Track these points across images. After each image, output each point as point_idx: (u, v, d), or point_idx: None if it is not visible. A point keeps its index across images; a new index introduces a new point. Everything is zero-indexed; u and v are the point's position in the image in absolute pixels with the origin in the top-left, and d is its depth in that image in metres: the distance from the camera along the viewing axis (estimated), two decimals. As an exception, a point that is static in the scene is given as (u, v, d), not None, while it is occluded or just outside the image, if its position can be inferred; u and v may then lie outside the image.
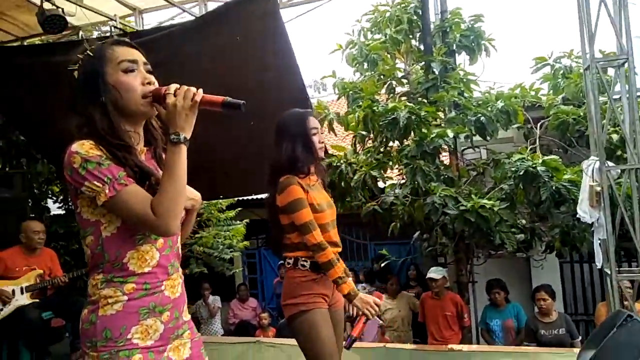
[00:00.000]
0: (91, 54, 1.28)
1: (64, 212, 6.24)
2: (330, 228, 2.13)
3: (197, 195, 1.43)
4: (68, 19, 4.18)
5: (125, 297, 1.21)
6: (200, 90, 1.23)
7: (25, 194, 5.49)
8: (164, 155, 1.29)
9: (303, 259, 2.08)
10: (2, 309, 3.82)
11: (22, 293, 3.94)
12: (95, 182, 1.17)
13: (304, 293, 2.06)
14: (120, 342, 1.20)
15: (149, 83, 1.28)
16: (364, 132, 4.65)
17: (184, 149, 1.22)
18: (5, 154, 5.84)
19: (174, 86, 1.22)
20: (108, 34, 4.57)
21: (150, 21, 4.95)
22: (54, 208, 6.43)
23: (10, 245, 4.08)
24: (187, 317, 1.36)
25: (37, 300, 4.01)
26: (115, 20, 4.65)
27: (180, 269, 1.36)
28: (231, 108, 1.22)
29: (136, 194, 1.19)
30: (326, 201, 2.16)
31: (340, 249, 2.18)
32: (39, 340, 3.91)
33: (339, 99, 5.20)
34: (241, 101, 1.22)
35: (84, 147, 1.18)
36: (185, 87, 1.22)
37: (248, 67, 3.92)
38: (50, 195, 6.35)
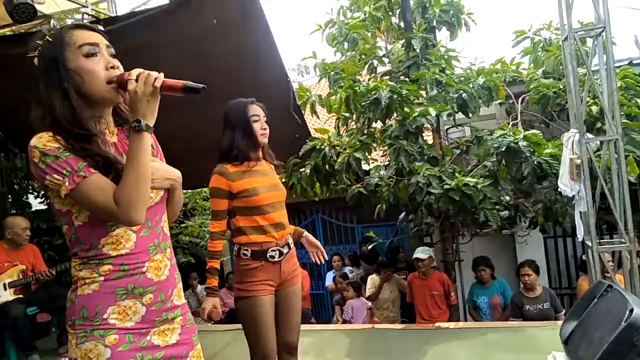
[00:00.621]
0: (50, 40, 1.23)
1: (45, 207, 6.14)
2: (270, 210, 2.21)
3: (175, 174, 1.39)
4: (38, 7, 4.04)
5: (102, 278, 1.21)
6: (162, 75, 1.20)
7: (4, 190, 5.40)
8: None
9: (244, 247, 2.19)
10: (-16, 306, 3.78)
11: (5, 289, 3.89)
12: (55, 176, 1.15)
13: (245, 280, 2.19)
14: (96, 322, 1.20)
15: (113, 67, 1.24)
16: (346, 114, 4.61)
17: (146, 137, 1.19)
18: (-18, 150, 5.72)
19: (136, 71, 1.20)
20: (81, 22, 4.45)
21: (123, 7, 4.84)
22: (36, 203, 6.33)
23: (-9, 241, 4.03)
24: (179, 301, 1.33)
25: (21, 295, 3.97)
26: (87, 7, 4.52)
27: (168, 251, 1.33)
28: (191, 92, 1.20)
29: (97, 184, 1.17)
30: (268, 184, 2.24)
31: (285, 230, 2.28)
32: (24, 335, 3.88)
33: (320, 80, 5.13)
34: (201, 85, 1.20)
35: (41, 141, 1.17)
36: (146, 72, 1.19)
37: (227, 50, 3.85)
38: (30, 191, 6.24)
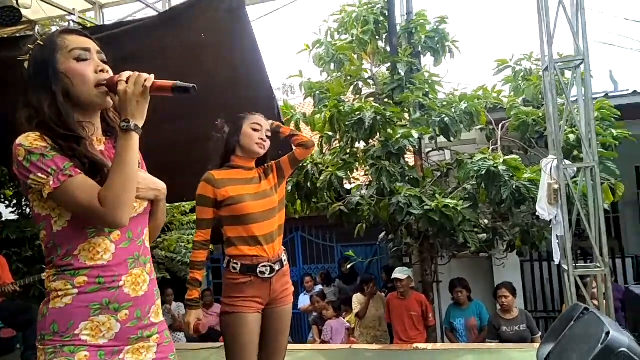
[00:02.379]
0: (41, 43, 1.23)
1: (17, 217, 5.95)
2: (258, 219, 2.09)
3: (160, 185, 1.36)
4: (24, 12, 4.00)
5: (76, 290, 1.16)
6: (152, 76, 1.20)
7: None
8: None
9: (234, 261, 2.08)
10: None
11: (-34, 302, 3.72)
12: (39, 174, 1.13)
13: (232, 295, 2.08)
14: (67, 337, 1.14)
15: (103, 71, 1.23)
16: (330, 133, 4.65)
17: (135, 137, 1.18)
18: (-47, 156, 5.53)
19: (126, 73, 1.19)
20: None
21: (111, 16, 4.82)
22: (6, 213, 6.12)
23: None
24: (157, 319, 1.28)
25: (-17, 309, 3.80)
26: (74, 15, 4.49)
27: (147, 266, 1.28)
28: (182, 92, 1.20)
29: (82, 184, 1.15)
30: (255, 192, 2.14)
31: (277, 242, 2.16)
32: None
33: (305, 98, 5.19)
34: (191, 84, 1.19)
35: (28, 139, 1.14)
36: (136, 74, 1.19)
37: (214, 64, 3.85)
38: (2, 200, 6.05)
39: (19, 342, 4.34)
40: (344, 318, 5.15)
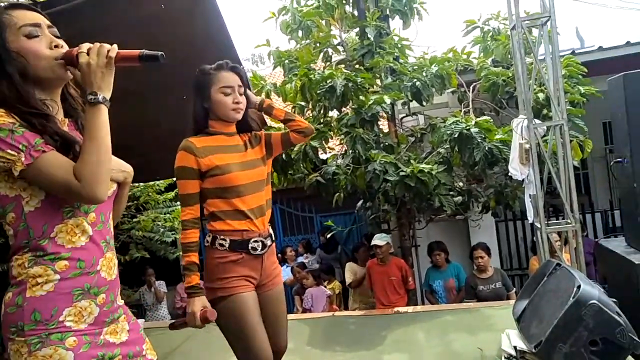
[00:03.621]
0: None
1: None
2: (245, 191, 1.88)
3: (128, 167, 1.36)
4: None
5: (57, 276, 1.13)
6: (115, 46, 1.16)
7: None
8: None
9: (221, 237, 1.86)
10: None
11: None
12: (9, 151, 1.07)
13: (222, 277, 1.86)
14: (52, 325, 1.12)
15: (57, 46, 1.18)
16: (302, 103, 4.57)
17: (104, 110, 1.15)
18: None
19: (85, 45, 1.15)
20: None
21: (63, -10, 4.54)
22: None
23: None
24: (120, 301, 1.30)
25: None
26: (23, -11, 4.22)
27: (114, 250, 1.29)
28: (149, 60, 1.17)
29: (56, 160, 1.11)
30: (242, 161, 1.92)
31: (266, 216, 1.98)
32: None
33: (274, 68, 5.06)
34: (159, 52, 1.17)
35: None
36: (98, 45, 1.15)
37: (176, 37, 3.69)
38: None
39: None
40: (325, 287, 5.20)
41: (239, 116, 1.93)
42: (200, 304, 1.81)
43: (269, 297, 2.00)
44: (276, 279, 2.05)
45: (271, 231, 2.02)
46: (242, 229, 1.88)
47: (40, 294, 1.12)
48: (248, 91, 1.99)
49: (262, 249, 1.92)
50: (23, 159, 1.08)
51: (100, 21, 3.61)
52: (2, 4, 1.27)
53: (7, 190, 1.13)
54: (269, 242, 1.96)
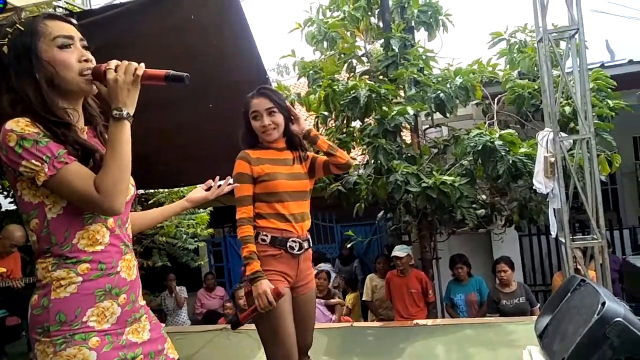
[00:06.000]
0: (21, 28, 1.21)
1: (16, 207, 5.91)
2: (288, 198, 2.10)
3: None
4: (7, -1, 3.93)
5: (80, 279, 1.17)
6: (142, 65, 1.20)
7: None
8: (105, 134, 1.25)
9: (264, 233, 2.05)
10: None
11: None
12: (34, 161, 1.11)
13: (262, 269, 2.00)
14: (76, 325, 1.16)
15: (86, 60, 1.24)
16: (325, 113, 4.61)
17: (127, 125, 1.19)
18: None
19: (114, 62, 1.20)
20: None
21: (98, 0, 4.71)
22: (5, 203, 6.11)
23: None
24: (142, 301, 1.33)
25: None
26: (60, 0, 4.40)
27: (133, 251, 1.32)
28: (175, 81, 1.20)
29: (78, 172, 1.15)
30: (288, 172, 2.14)
31: (306, 223, 2.14)
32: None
33: (299, 79, 5.12)
34: (184, 73, 1.20)
35: (19, 125, 1.13)
36: (126, 62, 1.19)
37: (204, 47, 3.79)
38: (0, 190, 6.02)
39: (24, 329, 4.38)
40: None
41: (270, 137, 2.13)
42: (267, 284, 1.95)
43: (302, 301, 2.14)
44: (310, 284, 2.19)
45: (309, 237, 2.17)
46: (283, 228, 2.07)
47: (64, 295, 1.16)
48: (299, 116, 2.20)
49: (299, 250, 2.08)
50: (46, 169, 1.12)
51: (131, 31, 3.74)
52: (40, 13, 1.34)
53: (30, 197, 1.18)
54: (306, 245, 2.12)
